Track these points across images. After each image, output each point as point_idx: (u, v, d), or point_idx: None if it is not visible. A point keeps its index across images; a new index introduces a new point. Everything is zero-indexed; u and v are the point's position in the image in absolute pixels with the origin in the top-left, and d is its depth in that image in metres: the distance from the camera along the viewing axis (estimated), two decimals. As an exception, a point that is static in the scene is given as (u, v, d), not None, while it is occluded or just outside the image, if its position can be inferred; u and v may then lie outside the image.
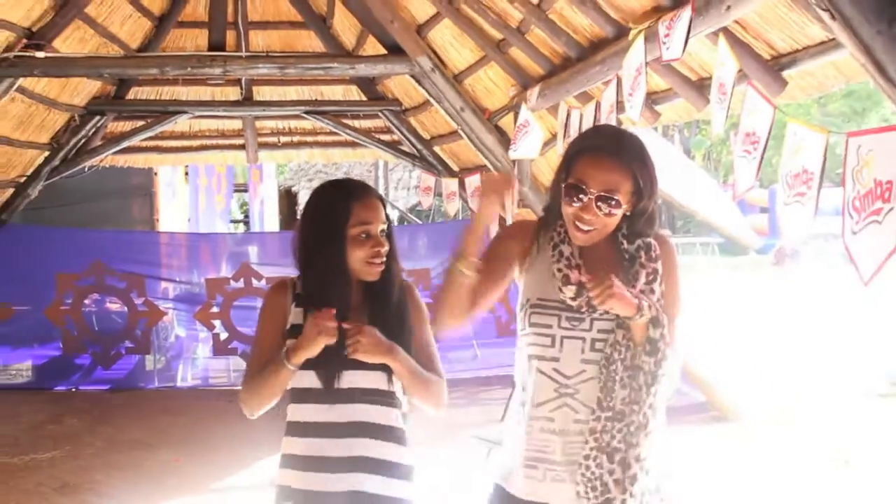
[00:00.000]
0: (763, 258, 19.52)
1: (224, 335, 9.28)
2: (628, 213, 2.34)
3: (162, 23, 8.63)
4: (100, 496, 5.37)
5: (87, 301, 9.41)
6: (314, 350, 2.33)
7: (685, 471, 5.19)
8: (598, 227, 2.31)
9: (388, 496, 2.44)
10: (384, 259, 2.45)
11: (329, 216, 2.43)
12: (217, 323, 9.26)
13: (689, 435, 6.48)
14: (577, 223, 2.31)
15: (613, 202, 2.27)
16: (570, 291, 2.30)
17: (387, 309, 2.47)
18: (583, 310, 2.31)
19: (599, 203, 2.27)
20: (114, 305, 9.52)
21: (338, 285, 2.43)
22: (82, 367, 9.26)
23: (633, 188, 2.30)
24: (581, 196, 2.28)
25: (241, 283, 9.32)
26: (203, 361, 9.76)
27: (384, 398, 2.46)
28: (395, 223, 18.57)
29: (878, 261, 2.41)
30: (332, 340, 2.31)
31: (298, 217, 2.61)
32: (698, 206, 18.35)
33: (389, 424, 2.47)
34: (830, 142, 2.77)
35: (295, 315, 2.48)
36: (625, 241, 2.36)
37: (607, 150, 2.32)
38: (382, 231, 2.45)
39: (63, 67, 7.17)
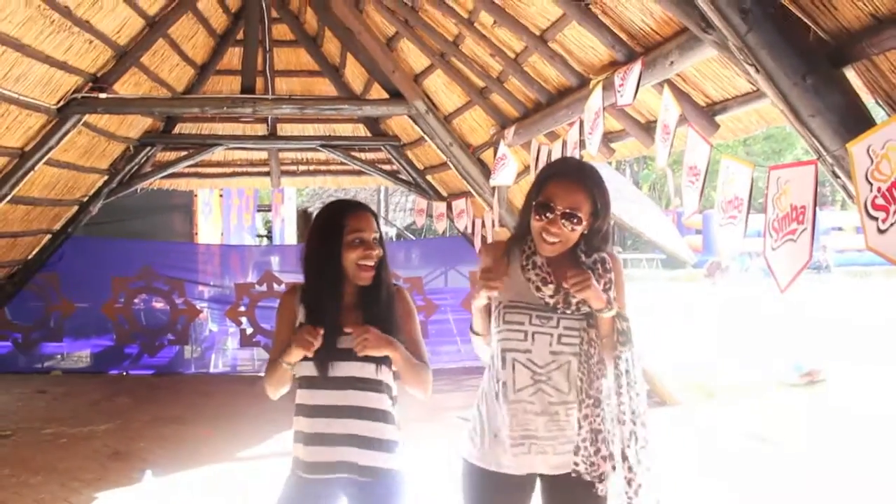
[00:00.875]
0: (697, 271, 19.61)
1: (249, 330, 9.27)
2: (586, 232, 2.35)
3: (203, 70, 8.62)
4: (145, 462, 5.32)
5: (136, 300, 9.37)
6: (297, 357, 2.36)
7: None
8: (561, 240, 2.31)
9: (376, 467, 2.43)
10: (375, 263, 2.44)
11: (328, 227, 2.44)
12: (244, 320, 9.26)
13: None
14: (544, 235, 2.32)
15: (576, 219, 2.29)
16: (548, 290, 2.31)
17: (377, 309, 2.46)
18: (559, 306, 2.31)
19: (564, 219, 2.29)
20: (158, 304, 9.47)
21: (334, 285, 2.43)
22: (131, 354, 9.20)
23: (592, 209, 2.32)
24: (548, 213, 2.30)
25: (264, 287, 9.31)
26: (232, 352, 9.71)
27: (374, 385, 2.46)
28: (394, 239, 18.58)
29: (794, 272, 2.42)
30: (308, 353, 2.33)
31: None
32: (644, 227, 18.44)
33: (379, 407, 2.47)
34: (754, 176, 2.79)
35: (300, 313, 2.49)
36: (583, 256, 2.36)
37: (572, 176, 2.34)
38: (374, 239, 2.46)
39: (121, 106, 7.14)
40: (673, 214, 19.55)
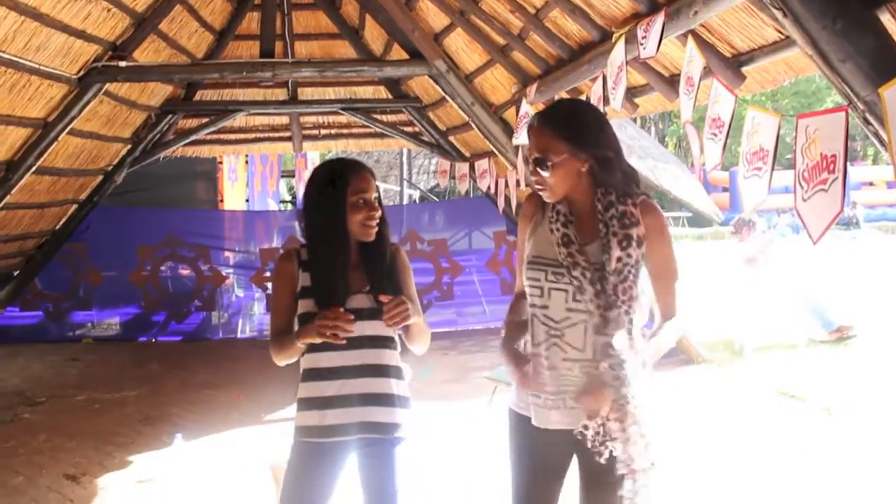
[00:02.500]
0: (725, 229, 19.38)
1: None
2: (587, 171, 2.24)
3: (222, 36, 8.57)
4: (175, 426, 5.40)
5: (162, 268, 9.48)
6: (319, 340, 2.30)
7: (665, 407, 5.19)
8: (549, 186, 2.25)
9: (392, 423, 2.43)
10: (378, 222, 2.43)
11: (330, 188, 2.40)
12: (269, 285, 9.30)
13: (665, 377, 6.46)
14: (535, 185, 2.28)
15: (547, 163, 2.22)
16: (563, 251, 2.26)
17: (380, 266, 2.45)
18: (570, 264, 2.26)
19: (536, 166, 2.24)
20: (185, 271, 9.57)
21: (340, 246, 2.40)
22: (159, 322, 9.32)
23: (569, 147, 2.21)
24: (527, 163, 2.27)
25: (289, 252, 9.33)
26: (258, 317, 9.78)
27: (384, 342, 2.45)
28: (417, 202, 18.54)
29: (825, 223, 2.36)
30: (336, 342, 2.27)
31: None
32: (671, 185, 18.26)
33: (391, 363, 2.46)
34: (781, 133, 2.72)
35: (304, 279, 2.44)
36: (600, 206, 2.24)
37: (538, 122, 2.29)
38: (376, 198, 2.44)
39: (141, 74, 7.13)
40: (699, 172, 19.31)
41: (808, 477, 4.48)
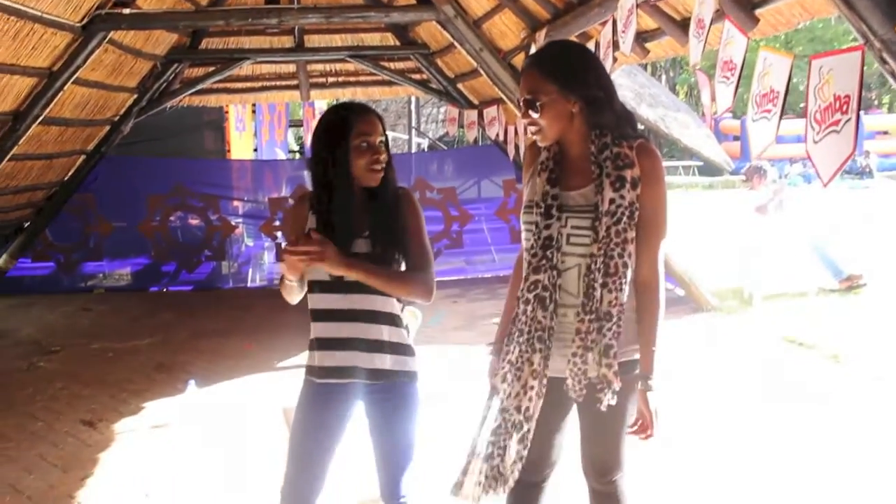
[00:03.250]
0: (735, 178, 19.25)
1: (284, 244, 9.35)
2: (579, 111, 2.19)
3: (227, -20, 8.47)
4: (188, 374, 5.48)
5: (172, 218, 9.50)
6: (291, 274, 2.33)
7: (673, 355, 5.23)
8: (541, 128, 2.22)
9: (387, 370, 2.43)
10: (383, 166, 2.40)
11: (334, 131, 2.37)
12: (278, 234, 9.34)
13: (674, 325, 6.49)
14: (528, 127, 2.26)
15: (536, 104, 2.18)
16: (552, 191, 2.23)
17: (385, 211, 2.41)
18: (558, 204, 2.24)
19: (526, 108, 2.21)
20: (194, 221, 9.60)
21: (343, 190, 2.37)
22: (170, 272, 9.38)
23: (558, 87, 2.18)
24: (519, 107, 2.24)
25: (298, 201, 9.35)
26: (268, 266, 9.85)
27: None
28: (426, 150, 18.46)
29: (836, 165, 2.34)
30: (297, 270, 2.30)
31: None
32: (681, 134, 18.12)
33: (386, 310, 2.43)
34: (793, 81, 2.67)
35: (311, 221, 2.44)
36: (594, 147, 2.20)
37: (527, 64, 2.26)
38: (381, 142, 2.40)
39: (145, 21, 7.07)
40: (710, 120, 19.15)
41: (814, 424, 4.53)
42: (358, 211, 2.40)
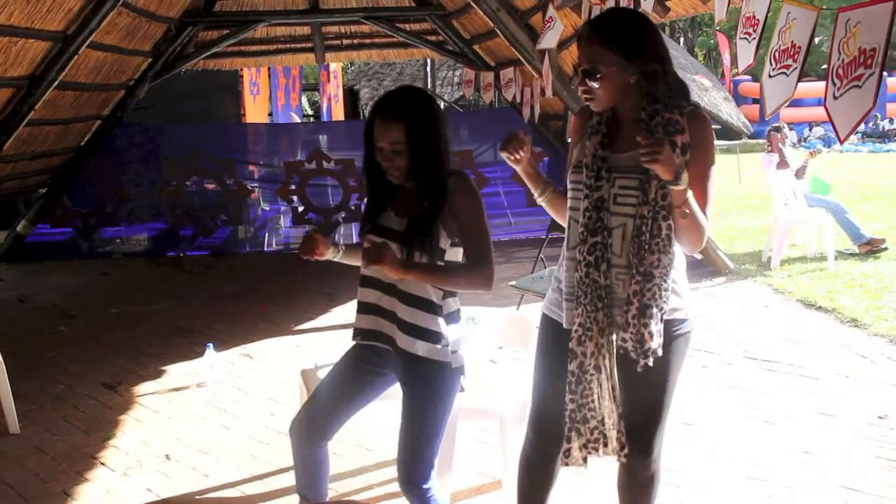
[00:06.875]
0: (754, 142, 19.02)
1: (301, 208, 9.39)
2: (634, 82, 2.18)
3: (241, -59, 8.41)
4: (206, 337, 5.51)
5: (188, 182, 9.52)
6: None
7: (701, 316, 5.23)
8: (598, 97, 2.21)
9: (415, 354, 2.41)
10: (397, 170, 2.38)
11: (365, 129, 2.43)
12: (294, 198, 9.36)
13: (692, 288, 6.47)
14: (583, 94, 2.24)
15: (596, 73, 2.17)
16: (601, 153, 2.23)
17: (420, 202, 2.39)
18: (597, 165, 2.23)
19: (586, 76, 2.19)
20: (210, 186, 9.62)
21: (369, 179, 2.49)
22: (187, 236, 9.42)
23: (620, 58, 2.16)
24: (577, 73, 2.21)
25: (313, 165, 9.37)
26: (284, 230, 9.90)
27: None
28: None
29: (855, 120, 2.30)
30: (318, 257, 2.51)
31: (360, 111, 2.64)
32: (699, 96, 17.88)
33: (423, 296, 2.42)
34: (815, 40, 2.61)
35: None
36: (645, 114, 2.18)
37: (588, 31, 2.22)
38: (394, 148, 2.35)
39: (158, -18, 7.05)
40: (729, 83, 18.81)
41: (830, 384, 4.52)
42: (407, 193, 2.43)
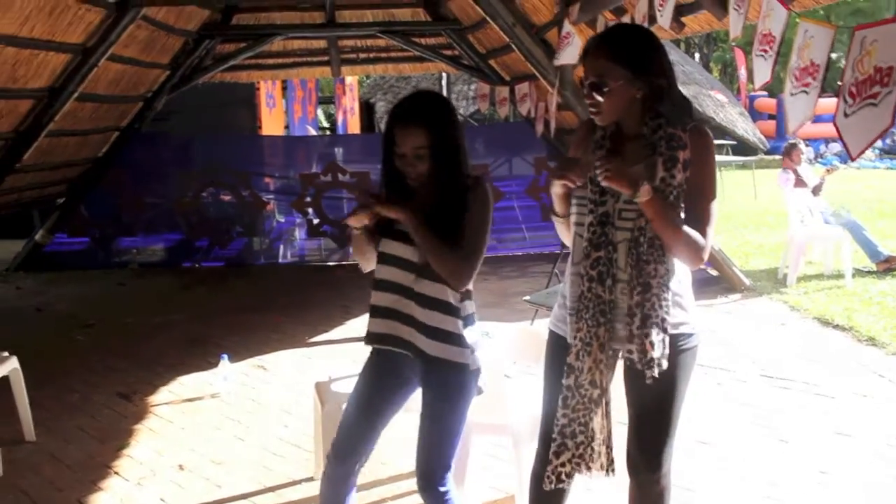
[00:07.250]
0: (770, 158, 18.94)
1: (316, 220, 9.43)
2: (640, 97, 2.20)
3: (259, -43, 8.49)
4: (220, 347, 5.54)
5: (204, 194, 9.59)
6: (355, 222, 2.43)
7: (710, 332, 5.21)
8: (603, 111, 2.23)
9: (433, 355, 2.43)
10: (416, 174, 2.40)
11: (386, 134, 2.44)
12: (310, 211, 9.40)
13: (707, 304, 6.46)
14: (589, 108, 2.26)
15: (603, 87, 2.19)
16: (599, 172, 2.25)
17: (434, 203, 2.40)
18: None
19: (592, 90, 2.21)
20: (226, 197, 9.68)
21: (387, 179, 2.48)
22: (202, 247, 9.48)
23: (627, 73, 2.18)
24: (584, 87, 2.23)
25: (329, 178, 9.41)
26: (299, 242, 9.94)
27: (414, 266, 2.44)
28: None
29: (870, 138, 2.29)
30: (362, 221, 2.42)
31: (376, 125, 2.63)
32: (715, 112, 17.85)
33: (439, 297, 2.43)
34: (832, 56, 2.61)
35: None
36: (647, 129, 2.22)
37: (596, 45, 2.25)
38: (418, 155, 2.37)
39: (177, -3, 7.13)
40: (745, 98, 18.77)
41: (847, 403, 4.49)
42: (424, 194, 2.44)
